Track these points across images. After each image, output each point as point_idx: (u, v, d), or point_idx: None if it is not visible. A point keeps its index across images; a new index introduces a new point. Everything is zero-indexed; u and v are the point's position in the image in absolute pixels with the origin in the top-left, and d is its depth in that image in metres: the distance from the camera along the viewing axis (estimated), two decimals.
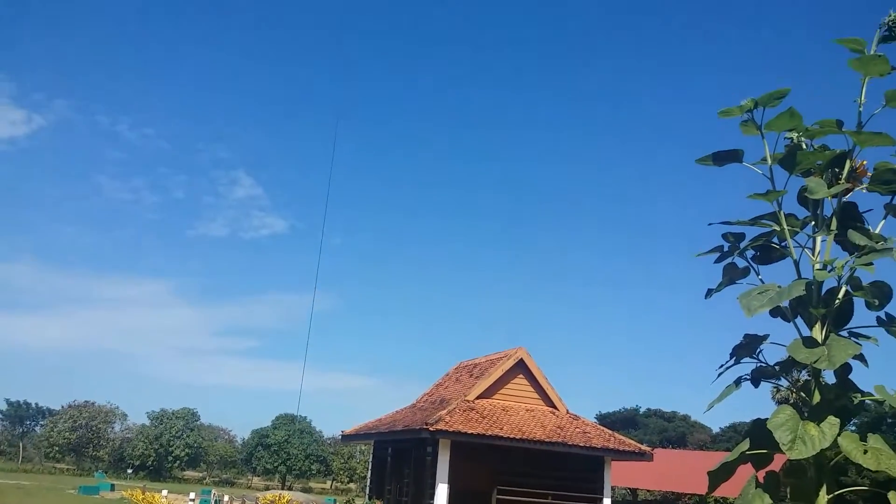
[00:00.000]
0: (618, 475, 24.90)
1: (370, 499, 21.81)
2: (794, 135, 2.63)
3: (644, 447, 20.94)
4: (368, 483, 23.91)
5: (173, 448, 65.03)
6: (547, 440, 18.53)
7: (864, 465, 2.22)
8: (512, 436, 18.25)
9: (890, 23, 2.47)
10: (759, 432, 2.43)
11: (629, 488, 38.48)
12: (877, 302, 2.37)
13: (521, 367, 20.95)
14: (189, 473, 70.83)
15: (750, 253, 2.69)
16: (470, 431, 17.91)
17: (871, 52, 2.47)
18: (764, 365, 2.60)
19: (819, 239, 2.52)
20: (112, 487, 37.27)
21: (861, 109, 2.50)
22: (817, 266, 2.46)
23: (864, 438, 2.30)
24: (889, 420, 33.06)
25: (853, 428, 2.43)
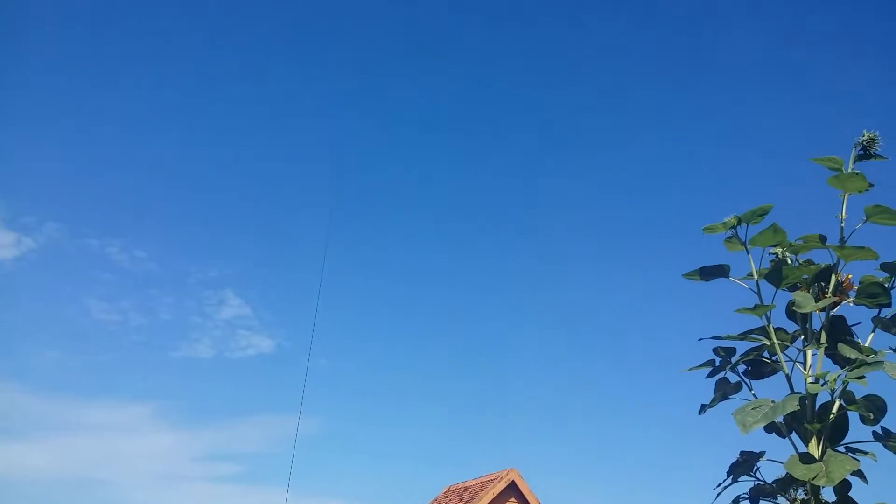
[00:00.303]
0: None
1: None
2: (779, 250, 2.68)
3: None
4: None
5: None
6: None
7: None
8: None
9: (864, 142, 2.56)
10: None
11: None
12: (872, 416, 2.34)
13: (513, 490, 20.34)
14: None
15: (741, 367, 2.68)
16: None
17: (849, 170, 2.54)
18: (762, 483, 2.54)
19: (810, 353, 2.52)
20: None
21: (843, 225, 2.55)
22: (809, 380, 2.44)
23: None
24: None
25: None
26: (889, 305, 2.50)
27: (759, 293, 2.60)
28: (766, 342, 2.58)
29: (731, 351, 2.72)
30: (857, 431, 2.41)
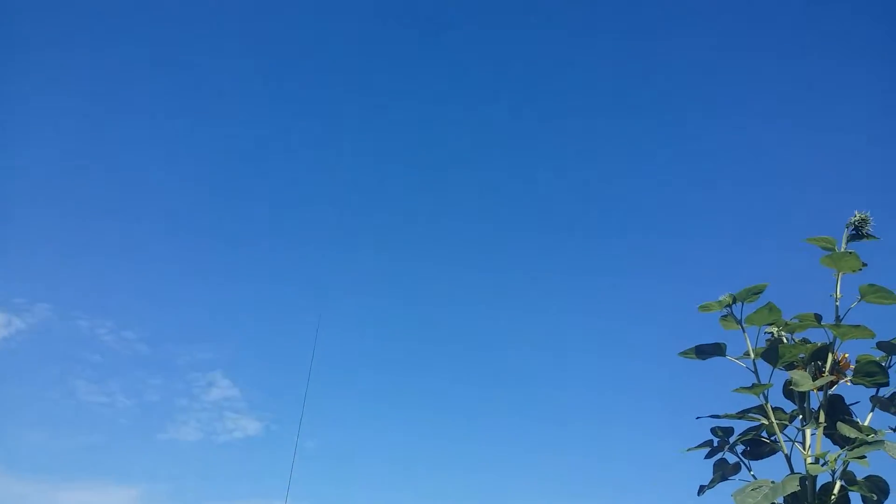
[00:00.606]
0: None
1: None
2: (775, 329, 2.67)
3: None
4: None
5: None
6: None
7: None
8: None
9: (856, 222, 2.60)
10: None
11: None
12: (874, 497, 2.29)
13: None
14: None
15: (740, 448, 2.63)
16: None
17: (842, 250, 2.57)
18: None
19: (808, 432, 2.48)
20: None
21: (838, 304, 2.56)
22: (809, 460, 2.39)
23: None
24: None
25: None
26: (887, 384, 2.48)
27: (755, 372, 2.58)
28: (765, 421, 2.54)
29: (730, 431, 2.68)
30: None
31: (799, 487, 2.30)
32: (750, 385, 2.57)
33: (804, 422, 2.52)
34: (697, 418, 2.73)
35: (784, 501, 2.40)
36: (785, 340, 2.65)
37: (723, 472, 2.62)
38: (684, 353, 2.77)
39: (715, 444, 2.68)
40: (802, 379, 2.51)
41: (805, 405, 2.55)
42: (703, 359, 2.74)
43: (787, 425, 2.55)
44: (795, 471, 2.41)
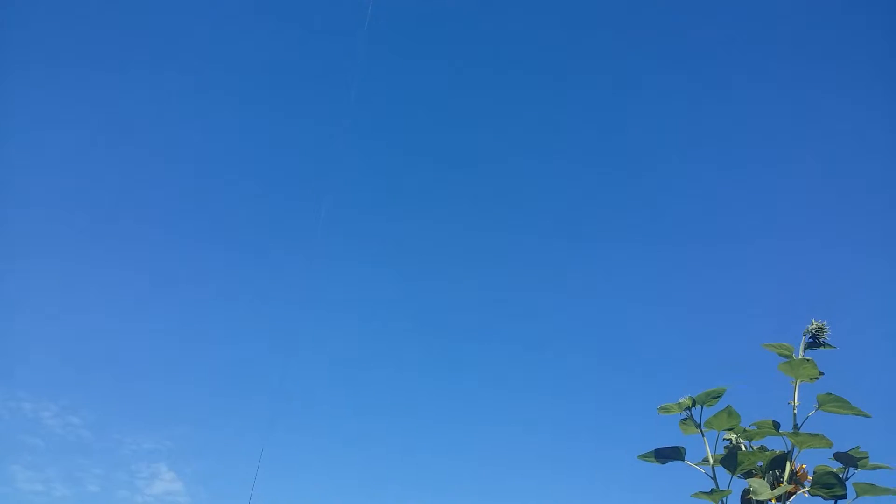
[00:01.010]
0: None
1: None
2: (733, 436, 2.65)
3: None
4: None
5: None
6: None
7: None
8: None
9: (813, 331, 2.62)
10: None
11: None
12: None
13: None
14: None
15: None
16: None
17: (799, 357, 2.58)
18: None
19: None
20: None
21: (795, 412, 2.55)
22: None
23: None
24: None
25: None
26: (844, 497, 2.45)
27: (714, 478, 2.55)
28: None
29: None
30: None
31: None
32: (709, 491, 2.53)
33: None
34: None
35: None
36: (743, 447, 2.62)
37: None
38: (644, 457, 2.73)
39: None
40: (761, 487, 2.48)
41: None
42: (663, 463, 2.70)
43: None
44: None
